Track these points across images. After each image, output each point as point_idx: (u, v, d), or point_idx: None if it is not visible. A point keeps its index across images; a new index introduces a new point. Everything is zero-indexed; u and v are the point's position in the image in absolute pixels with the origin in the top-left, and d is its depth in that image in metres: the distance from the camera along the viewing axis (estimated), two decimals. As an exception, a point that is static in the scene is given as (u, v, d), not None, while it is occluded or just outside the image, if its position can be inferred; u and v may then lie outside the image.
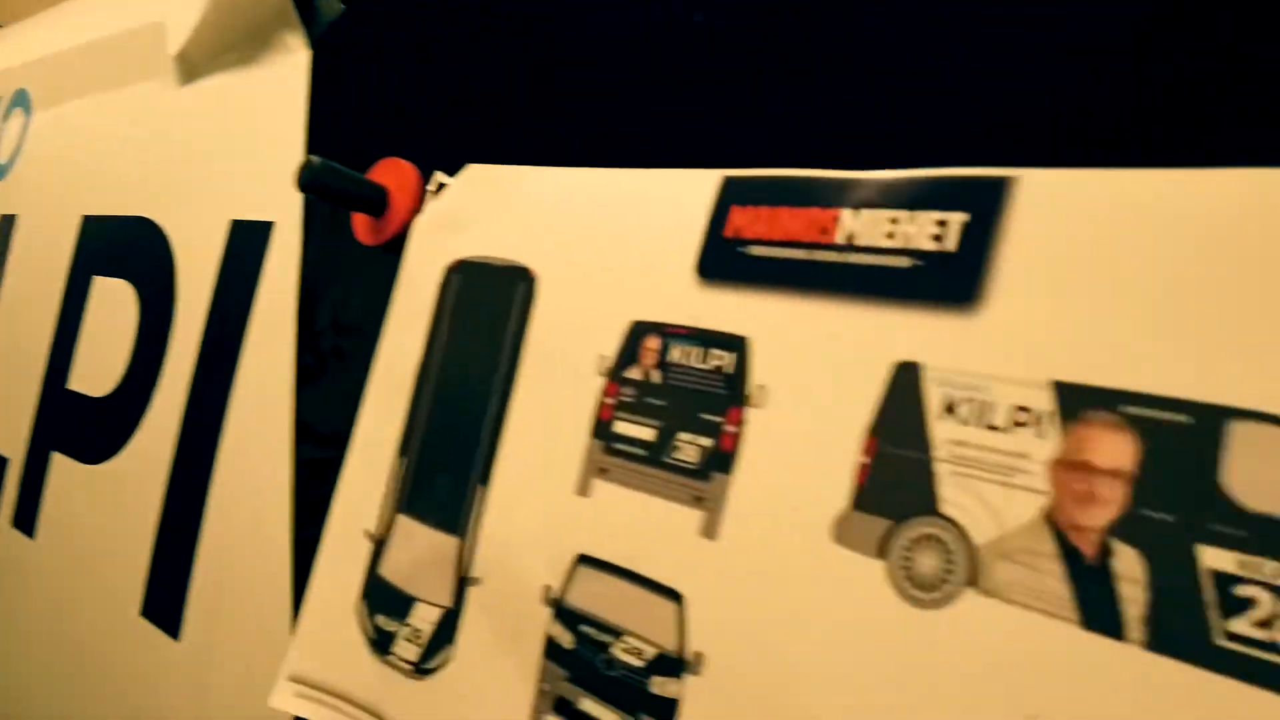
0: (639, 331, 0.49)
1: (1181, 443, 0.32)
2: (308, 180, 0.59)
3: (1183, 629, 0.31)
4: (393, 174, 0.64)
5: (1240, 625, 0.30)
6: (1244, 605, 0.30)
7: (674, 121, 0.52)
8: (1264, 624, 0.29)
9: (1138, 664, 0.31)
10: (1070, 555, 0.34)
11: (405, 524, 0.59)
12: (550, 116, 0.59)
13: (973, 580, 0.36)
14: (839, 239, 0.42)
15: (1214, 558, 0.31)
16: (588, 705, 0.47)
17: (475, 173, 0.60)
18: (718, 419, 0.45)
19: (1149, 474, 0.32)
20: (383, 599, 0.59)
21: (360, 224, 0.66)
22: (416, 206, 0.63)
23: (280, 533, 0.69)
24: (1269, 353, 0.31)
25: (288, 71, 0.79)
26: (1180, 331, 0.33)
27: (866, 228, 0.41)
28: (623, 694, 0.45)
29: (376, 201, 0.63)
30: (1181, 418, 0.32)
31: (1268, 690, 0.29)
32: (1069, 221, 0.36)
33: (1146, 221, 0.34)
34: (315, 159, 0.59)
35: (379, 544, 0.60)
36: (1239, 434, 0.31)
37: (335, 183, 0.61)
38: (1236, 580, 0.30)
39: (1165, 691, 0.31)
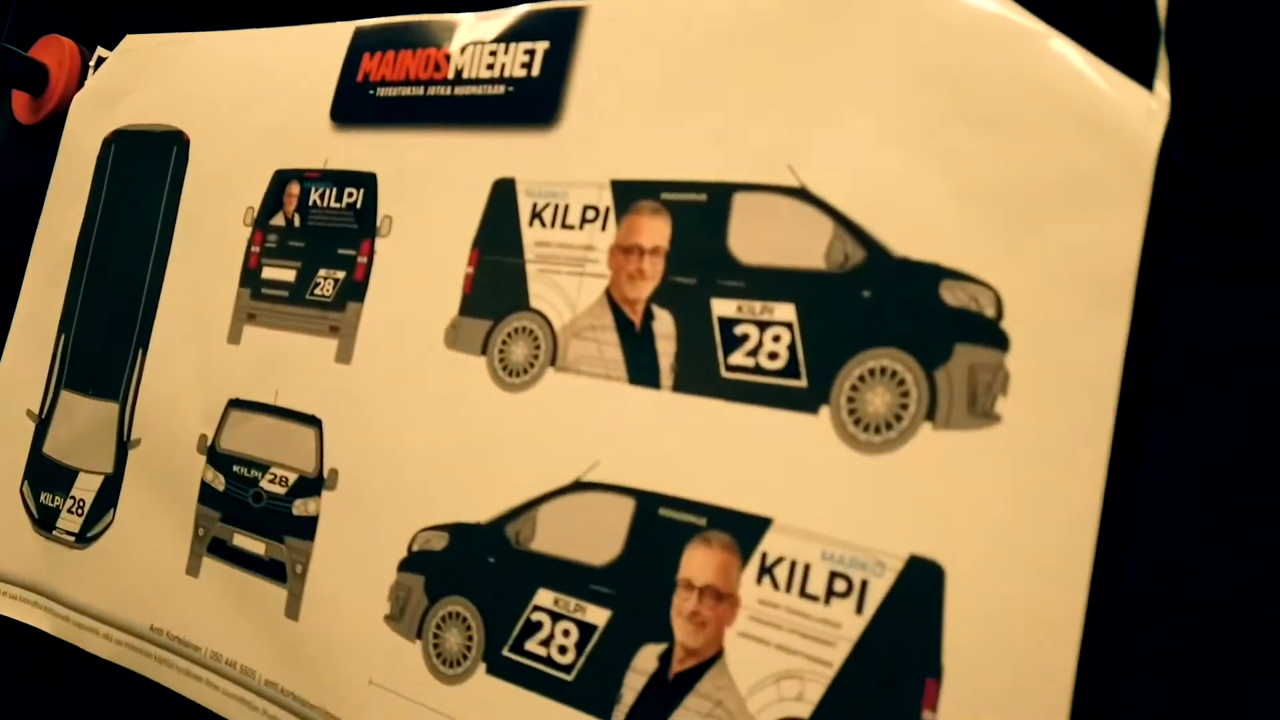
0: (281, 180, 0.51)
1: (700, 217, 0.37)
2: (-58, 47, 0.56)
3: (698, 369, 0.36)
4: (52, 51, 0.62)
5: (736, 358, 0.36)
6: (740, 341, 0.36)
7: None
8: (752, 352, 0.35)
9: (668, 404, 0.37)
10: (623, 325, 0.39)
11: (68, 399, 0.58)
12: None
13: (554, 360, 0.40)
14: (450, 74, 0.45)
15: (721, 307, 0.36)
16: (240, 540, 0.49)
17: (132, 42, 0.59)
18: (351, 252, 0.47)
19: (678, 247, 0.38)
20: (46, 476, 0.58)
21: (20, 103, 0.64)
22: (77, 83, 0.61)
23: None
24: (756, 135, 0.37)
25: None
26: (697, 125, 0.38)
27: (471, 62, 0.45)
28: (269, 522, 0.47)
29: (34, 79, 0.61)
30: (700, 196, 0.38)
31: (754, 405, 0.35)
32: (624, 41, 0.41)
33: (666, 34, 0.39)
34: (-48, 25, 0.57)
35: (43, 423, 0.59)
36: (738, 203, 0.37)
37: (-19, 53, 0.59)
38: (736, 322, 0.36)
39: (688, 422, 0.36)
